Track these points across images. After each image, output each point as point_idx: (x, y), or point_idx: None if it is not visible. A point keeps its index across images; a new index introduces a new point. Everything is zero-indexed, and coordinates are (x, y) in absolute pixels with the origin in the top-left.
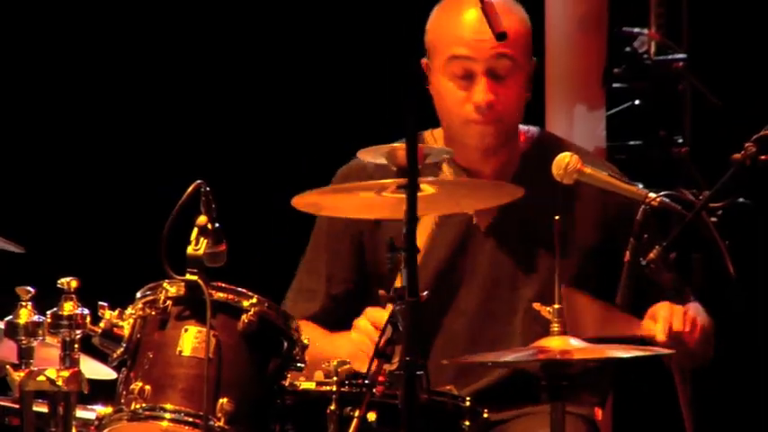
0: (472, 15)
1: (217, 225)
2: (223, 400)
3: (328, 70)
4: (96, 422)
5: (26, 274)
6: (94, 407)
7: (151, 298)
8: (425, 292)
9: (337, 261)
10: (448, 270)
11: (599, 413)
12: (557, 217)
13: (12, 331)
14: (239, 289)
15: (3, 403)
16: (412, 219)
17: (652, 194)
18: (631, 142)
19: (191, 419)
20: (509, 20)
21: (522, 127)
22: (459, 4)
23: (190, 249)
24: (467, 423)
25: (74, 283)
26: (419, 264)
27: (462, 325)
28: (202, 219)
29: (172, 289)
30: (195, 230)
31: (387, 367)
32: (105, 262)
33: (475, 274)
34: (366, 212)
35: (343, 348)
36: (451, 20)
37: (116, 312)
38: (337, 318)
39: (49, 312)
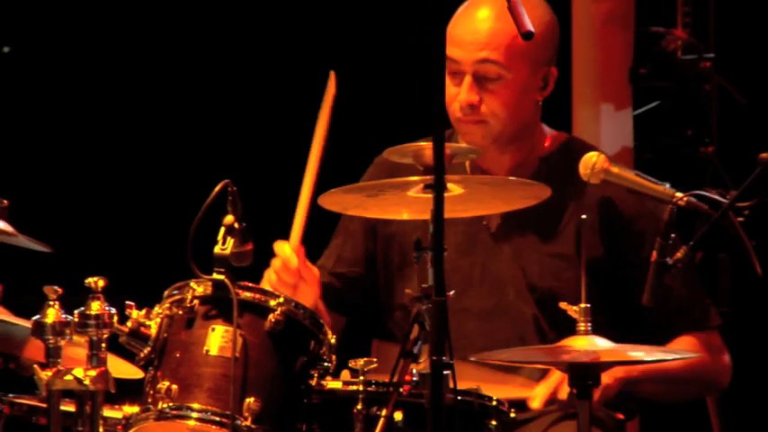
0: (469, 16)
1: (243, 224)
2: (250, 400)
3: (353, 68)
4: (123, 421)
5: (53, 274)
6: (121, 406)
7: (178, 297)
8: (452, 292)
9: (349, 242)
10: (454, 270)
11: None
12: (583, 216)
13: (39, 331)
14: (266, 288)
15: (30, 402)
16: (439, 219)
17: (679, 194)
18: (658, 142)
19: (217, 419)
20: (504, 24)
21: (550, 131)
22: (471, 4)
23: (217, 249)
24: (493, 423)
25: (101, 283)
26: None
27: (473, 327)
28: (229, 218)
29: (199, 288)
30: (222, 230)
31: (414, 367)
32: (132, 261)
33: (484, 275)
34: (392, 212)
35: None
36: (456, 19)
37: (143, 312)
38: (341, 300)
39: (76, 312)
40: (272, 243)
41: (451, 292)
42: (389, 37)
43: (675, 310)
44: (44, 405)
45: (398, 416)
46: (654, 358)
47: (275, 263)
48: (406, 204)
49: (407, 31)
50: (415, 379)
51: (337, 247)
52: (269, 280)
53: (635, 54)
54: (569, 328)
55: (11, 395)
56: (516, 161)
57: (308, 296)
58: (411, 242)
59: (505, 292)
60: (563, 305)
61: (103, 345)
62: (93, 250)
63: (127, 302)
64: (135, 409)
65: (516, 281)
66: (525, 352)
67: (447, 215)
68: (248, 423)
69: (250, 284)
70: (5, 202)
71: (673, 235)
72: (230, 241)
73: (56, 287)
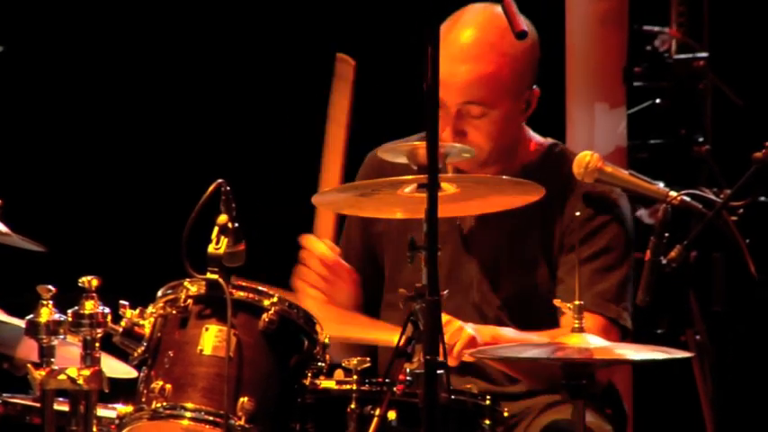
0: (449, 53)
1: (236, 224)
2: (243, 399)
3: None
4: (117, 421)
5: (47, 273)
6: (115, 405)
7: (172, 297)
8: (446, 291)
9: (351, 249)
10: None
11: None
12: (577, 213)
13: (33, 330)
14: (260, 288)
15: (24, 402)
16: (433, 218)
17: (673, 193)
18: (652, 141)
19: (211, 418)
20: (483, 64)
21: (536, 137)
22: (450, 29)
23: (210, 248)
24: (487, 422)
25: (95, 282)
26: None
27: None
28: (223, 218)
29: (192, 288)
30: (216, 230)
31: (407, 366)
32: (126, 261)
33: (450, 276)
34: (386, 212)
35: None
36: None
37: (137, 311)
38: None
39: (70, 311)
40: (265, 242)
41: (445, 292)
42: (385, 35)
43: (585, 285)
44: (38, 405)
45: (392, 415)
46: (643, 357)
47: (310, 259)
48: (399, 203)
49: (405, 30)
50: (408, 378)
51: (342, 256)
52: (303, 276)
53: (629, 53)
54: (536, 328)
55: (4, 395)
56: (497, 170)
57: (346, 294)
58: (401, 241)
59: (470, 293)
60: (557, 302)
61: (97, 344)
62: (87, 250)
63: (120, 302)
64: (129, 408)
65: (481, 283)
66: (518, 348)
67: (441, 215)
68: (242, 423)
69: (244, 284)
70: None
71: (666, 234)
72: (224, 241)
73: (49, 286)
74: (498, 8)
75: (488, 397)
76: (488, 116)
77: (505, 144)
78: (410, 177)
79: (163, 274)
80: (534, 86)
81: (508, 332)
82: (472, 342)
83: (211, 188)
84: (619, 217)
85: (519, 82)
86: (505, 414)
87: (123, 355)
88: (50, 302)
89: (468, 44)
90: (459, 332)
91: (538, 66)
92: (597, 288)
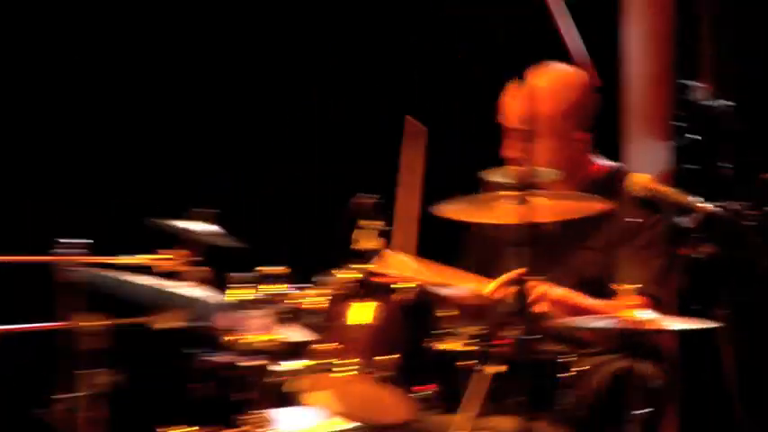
0: (508, 94)
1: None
2: (384, 358)
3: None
4: (297, 372)
5: (247, 263)
6: (294, 362)
7: (337, 281)
8: (543, 277)
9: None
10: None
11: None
12: (628, 219)
13: (233, 305)
14: (400, 274)
15: (222, 360)
16: (528, 224)
17: (705, 204)
18: (688, 166)
19: (366, 371)
20: (524, 100)
21: (604, 162)
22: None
23: (361, 245)
24: (564, 374)
25: (283, 270)
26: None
27: None
28: (371, 223)
29: (350, 275)
30: (363, 231)
31: (511, 331)
32: (309, 253)
33: (544, 268)
34: (488, 218)
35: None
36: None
37: (313, 291)
38: None
39: (263, 289)
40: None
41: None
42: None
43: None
44: (233, 362)
45: (501, 369)
46: (684, 327)
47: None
48: (504, 214)
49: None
50: (514, 340)
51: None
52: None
53: (675, 101)
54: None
55: (205, 352)
56: (567, 186)
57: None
58: (502, 242)
59: (560, 278)
60: (614, 286)
61: (284, 316)
62: (278, 245)
63: (300, 285)
64: (305, 363)
65: (564, 273)
66: (586, 320)
67: (534, 220)
68: (383, 375)
69: (385, 273)
70: (212, 211)
71: (699, 235)
72: (375, 241)
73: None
74: (569, 67)
75: (570, 355)
76: (533, 143)
77: (561, 169)
78: (511, 193)
79: (330, 264)
80: (586, 131)
81: (576, 296)
82: (544, 295)
83: (367, 200)
84: (660, 219)
85: (559, 121)
86: (573, 370)
87: (303, 325)
88: (249, 285)
89: (523, 84)
90: (539, 291)
91: (592, 114)
92: (644, 273)
